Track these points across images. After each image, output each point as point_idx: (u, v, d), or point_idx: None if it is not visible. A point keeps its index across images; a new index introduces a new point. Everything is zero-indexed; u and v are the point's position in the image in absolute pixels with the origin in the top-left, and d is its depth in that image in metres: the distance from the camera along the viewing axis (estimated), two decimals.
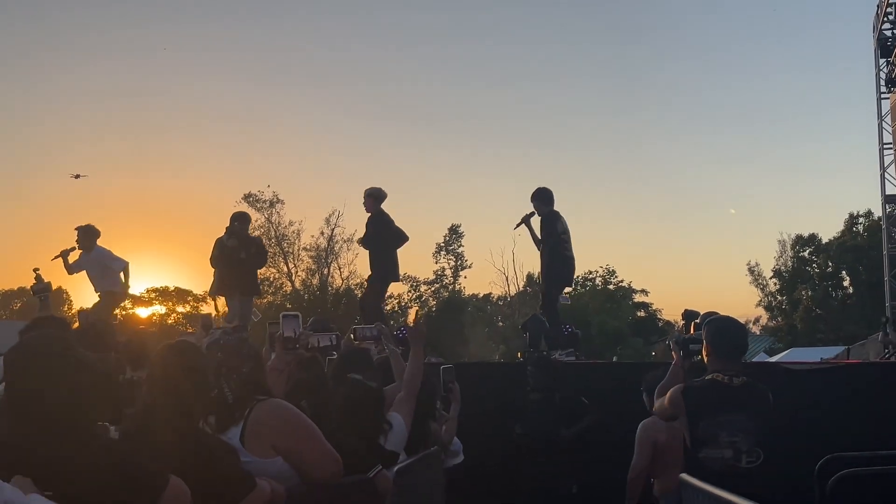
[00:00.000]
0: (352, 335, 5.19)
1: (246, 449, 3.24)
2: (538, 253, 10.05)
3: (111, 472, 2.58)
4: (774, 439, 4.78)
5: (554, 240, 9.85)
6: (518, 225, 10.14)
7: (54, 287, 7.30)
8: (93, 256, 10.89)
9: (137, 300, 42.52)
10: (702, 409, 4.66)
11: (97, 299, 10.92)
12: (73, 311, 50.20)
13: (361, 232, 10.83)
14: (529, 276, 53.24)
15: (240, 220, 11.19)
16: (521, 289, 51.89)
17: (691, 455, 4.67)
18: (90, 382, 2.70)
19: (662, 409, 4.97)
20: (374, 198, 10.55)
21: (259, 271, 11.85)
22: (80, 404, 2.65)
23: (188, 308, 47.79)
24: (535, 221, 10.03)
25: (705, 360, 4.84)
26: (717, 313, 8.59)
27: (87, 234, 10.99)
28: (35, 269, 7.14)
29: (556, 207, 10.06)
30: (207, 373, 3.29)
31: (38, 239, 66.31)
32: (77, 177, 37.90)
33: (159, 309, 45.32)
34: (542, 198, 9.99)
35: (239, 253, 10.78)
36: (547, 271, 10.08)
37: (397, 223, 10.69)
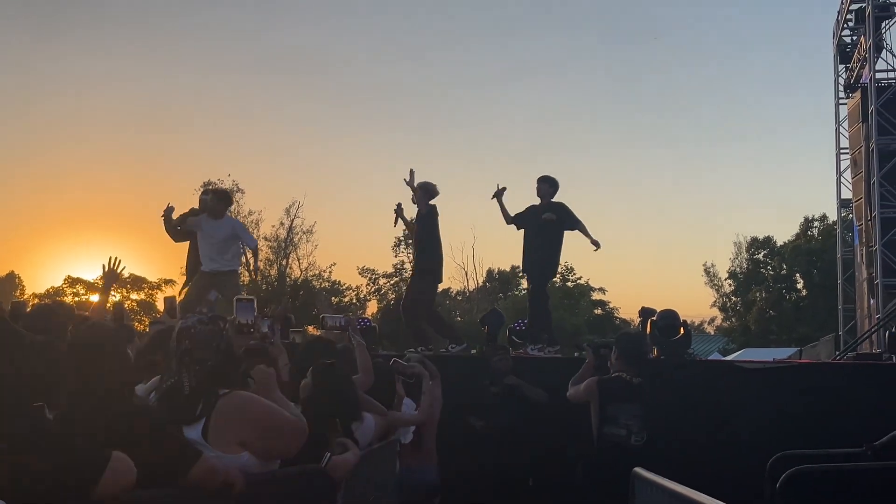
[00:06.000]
0: (320, 324, 5.22)
1: (210, 444, 3.14)
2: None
3: (46, 453, 2.51)
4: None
5: (563, 229, 9.62)
6: (494, 195, 9.84)
7: (6, 271, 7.02)
8: (223, 224, 9.78)
9: (91, 287, 42.10)
10: (609, 396, 6.31)
11: (201, 277, 9.66)
12: (27, 296, 49.50)
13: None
14: (489, 272, 53.62)
15: None
16: (480, 284, 52.13)
17: (598, 430, 6.31)
18: (24, 360, 2.64)
19: (578, 395, 6.55)
20: (426, 192, 9.71)
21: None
22: (12, 383, 2.59)
23: (143, 295, 47.29)
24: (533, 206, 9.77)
25: (612, 362, 6.53)
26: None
27: (223, 200, 10.06)
28: None
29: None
30: (122, 348, 3.28)
31: None
32: None
33: (113, 296, 44.60)
34: (554, 184, 9.73)
35: None
36: (547, 260, 9.74)
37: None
